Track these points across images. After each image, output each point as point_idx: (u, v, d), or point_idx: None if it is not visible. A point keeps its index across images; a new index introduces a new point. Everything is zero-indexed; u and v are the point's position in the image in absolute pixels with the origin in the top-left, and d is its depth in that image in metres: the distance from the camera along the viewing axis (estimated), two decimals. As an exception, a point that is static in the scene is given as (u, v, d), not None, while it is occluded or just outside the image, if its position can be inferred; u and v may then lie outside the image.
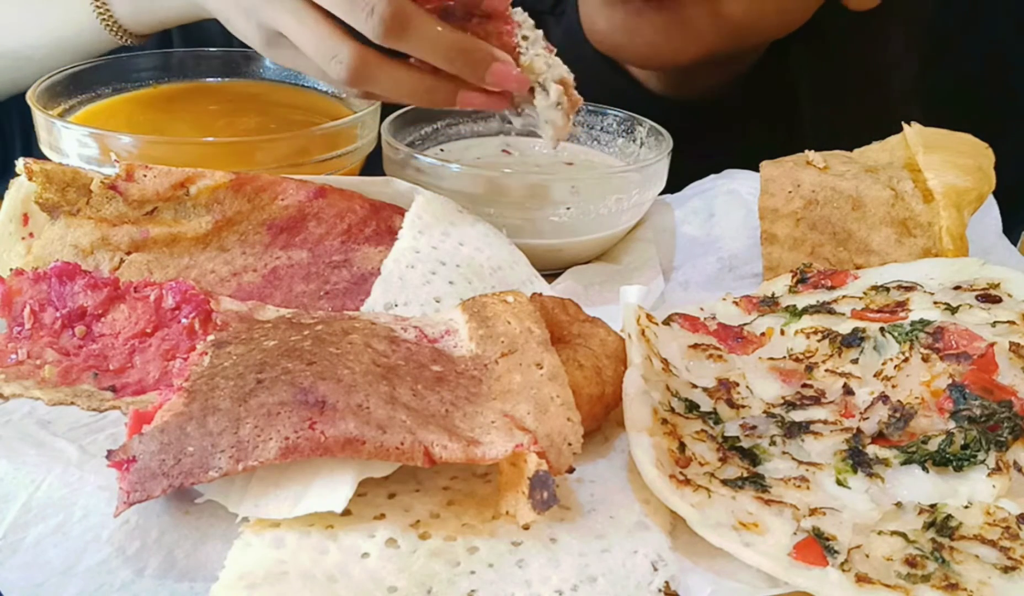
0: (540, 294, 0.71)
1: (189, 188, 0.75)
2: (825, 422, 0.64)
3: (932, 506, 0.58)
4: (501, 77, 0.79)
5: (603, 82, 1.08)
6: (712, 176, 1.00)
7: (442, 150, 0.99)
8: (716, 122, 1.14)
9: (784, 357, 0.71)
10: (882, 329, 0.69)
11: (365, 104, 0.93)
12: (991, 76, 1.24)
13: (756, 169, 0.89)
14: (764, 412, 0.66)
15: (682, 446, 0.61)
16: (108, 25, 0.99)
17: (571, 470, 0.56)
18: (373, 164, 0.94)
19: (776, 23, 1.08)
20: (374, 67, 0.77)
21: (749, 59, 1.20)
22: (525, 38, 0.81)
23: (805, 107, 1.17)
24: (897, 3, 1.13)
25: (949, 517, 0.57)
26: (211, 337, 0.62)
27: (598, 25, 1.06)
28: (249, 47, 0.84)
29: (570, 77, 0.82)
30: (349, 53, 0.75)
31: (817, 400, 0.67)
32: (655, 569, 0.54)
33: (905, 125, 0.88)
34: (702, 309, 0.78)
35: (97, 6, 0.99)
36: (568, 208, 0.86)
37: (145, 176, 0.74)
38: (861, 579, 0.53)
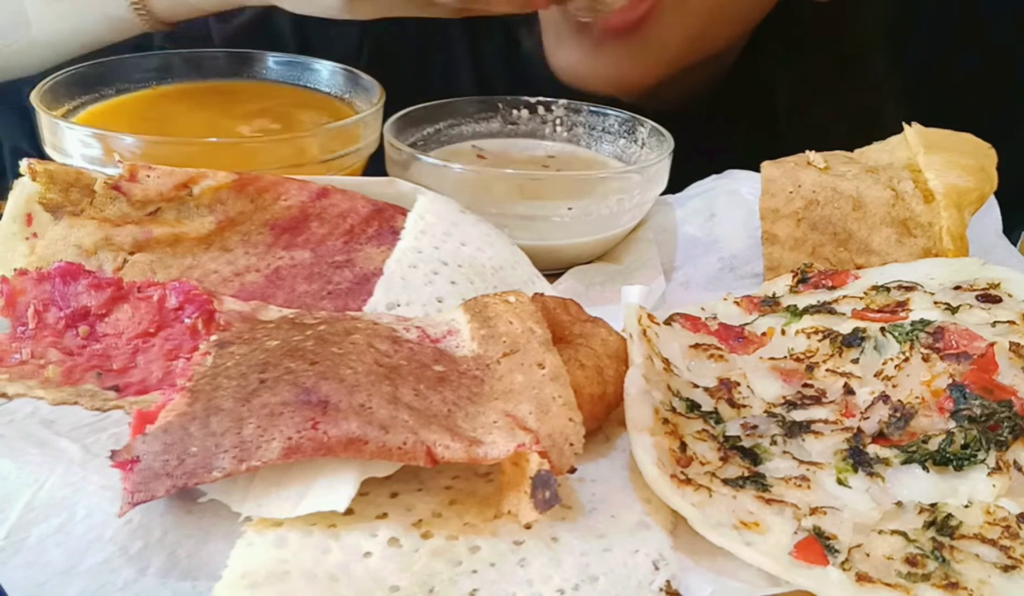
0: (542, 294, 0.71)
1: (192, 188, 0.75)
2: (826, 422, 0.64)
3: (932, 505, 0.58)
4: None
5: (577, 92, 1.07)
6: (713, 176, 1.00)
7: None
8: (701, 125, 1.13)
9: (785, 357, 0.71)
10: (882, 329, 0.69)
11: (368, 105, 0.93)
12: (993, 75, 1.24)
13: (755, 169, 0.89)
14: (765, 412, 0.66)
15: (683, 446, 0.61)
16: (139, 10, 0.95)
17: (573, 470, 0.56)
18: (376, 165, 0.94)
19: (744, 11, 1.06)
20: None
21: (725, 61, 1.18)
22: None
23: (782, 105, 1.16)
24: None
25: (949, 516, 0.57)
26: (214, 337, 0.62)
27: (559, 61, 1.05)
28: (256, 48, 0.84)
29: None
30: None
31: (818, 400, 0.67)
32: (656, 568, 0.54)
33: (905, 125, 0.88)
34: (703, 309, 0.78)
35: None
36: (569, 209, 0.86)
37: (148, 176, 0.75)
38: (861, 578, 0.53)
